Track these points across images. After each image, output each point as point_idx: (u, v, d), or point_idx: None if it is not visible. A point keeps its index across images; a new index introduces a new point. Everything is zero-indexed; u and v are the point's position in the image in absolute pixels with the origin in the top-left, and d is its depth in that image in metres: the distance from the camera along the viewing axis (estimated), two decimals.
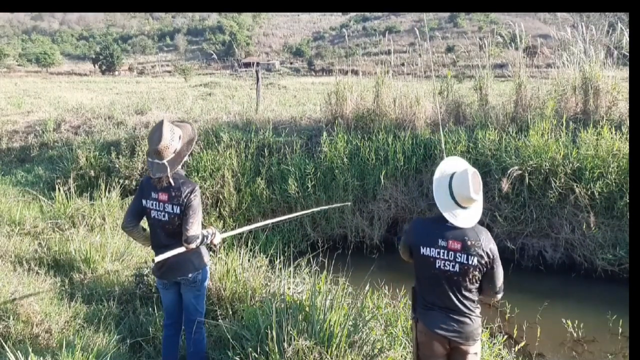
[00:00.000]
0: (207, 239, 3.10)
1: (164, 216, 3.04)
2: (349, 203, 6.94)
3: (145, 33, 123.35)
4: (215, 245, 3.29)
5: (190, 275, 3.12)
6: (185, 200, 2.98)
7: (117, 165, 8.12)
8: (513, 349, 4.16)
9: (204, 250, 3.21)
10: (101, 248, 5.03)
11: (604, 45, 7.55)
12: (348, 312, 3.35)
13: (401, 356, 3.44)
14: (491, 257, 2.51)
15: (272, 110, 10.06)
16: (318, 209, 6.13)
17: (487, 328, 4.13)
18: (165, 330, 3.37)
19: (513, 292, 5.27)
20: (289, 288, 3.96)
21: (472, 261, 2.47)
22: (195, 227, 2.99)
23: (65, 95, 20.30)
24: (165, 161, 2.96)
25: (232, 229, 6.94)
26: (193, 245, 3.00)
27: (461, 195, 2.49)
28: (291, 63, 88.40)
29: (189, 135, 3.11)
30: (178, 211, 3.00)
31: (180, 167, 3.09)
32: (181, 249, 3.00)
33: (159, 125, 2.98)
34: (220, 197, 7.56)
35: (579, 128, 6.73)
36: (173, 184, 3.00)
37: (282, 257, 4.37)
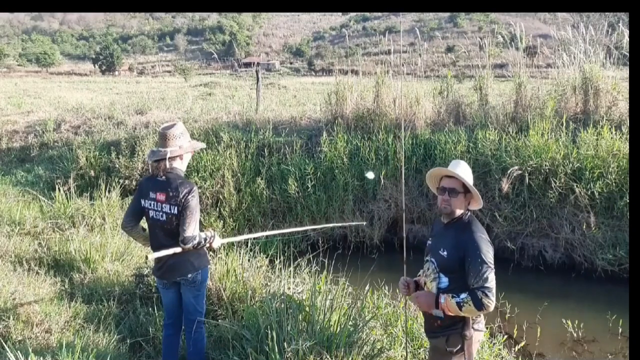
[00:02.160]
0: (205, 241, 3.10)
1: (162, 216, 3.05)
2: (364, 223, 6.90)
3: (145, 33, 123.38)
4: (214, 249, 3.30)
5: (189, 275, 3.13)
6: (182, 200, 2.99)
7: (117, 165, 8.12)
8: (513, 349, 4.17)
9: (203, 250, 3.21)
10: (101, 248, 5.03)
11: (604, 45, 7.54)
12: (348, 312, 3.35)
13: (401, 356, 3.44)
14: None
15: (272, 110, 10.06)
16: (331, 225, 6.28)
17: (487, 328, 4.12)
18: (165, 330, 3.37)
19: (513, 292, 5.29)
20: (289, 288, 3.96)
21: None
22: (191, 228, 2.99)
23: (65, 95, 20.30)
24: (167, 149, 3.03)
25: (232, 229, 6.97)
26: (189, 246, 3.00)
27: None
28: (291, 63, 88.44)
29: (196, 147, 3.24)
30: (175, 211, 3.01)
31: (181, 168, 3.14)
32: (177, 249, 3.02)
33: (176, 122, 3.14)
34: (220, 197, 7.56)
35: (579, 128, 6.73)
36: (171, 180, 3.03)
37: (282, 257, 4.37)
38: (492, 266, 2.36)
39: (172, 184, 3.02)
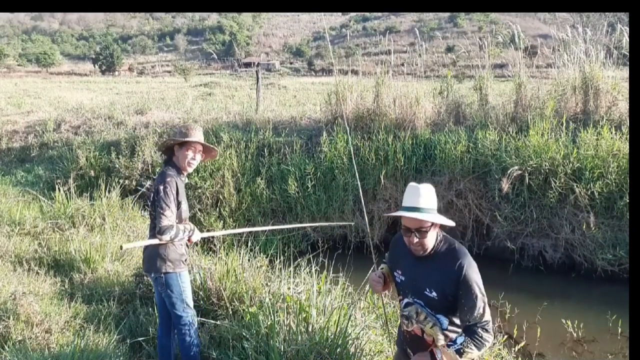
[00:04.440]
0: (183, 233, 3.09)
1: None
2: (352, 223, 6.91)
3: (145, 33, 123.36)
4: (193, 243, 3.30)
5: (152, 274, 3.15)
6: (155, 190, 3.08)
7: (117, 165, 8.12)
8: (513, 349, 4.16)
9: (173, 254, 3.11)
10: (101, 248, 5.04)
11: (604, 45, 7.54)
12: (348, 312, 3.34)
13: None
14: None
15: (272, 110, 10.06)
16: (316, 224, 6.30)
17: None
18: (158, 330, 3.40)
19: (513, 292, 5.29)
20: (289, 288, 3.96)
21: None
22: (163, 219, 2.97)
23: (65, 95, 20.30)
24: None
25: (232, 229, 6.96)
26: (166, 237, 2.98)
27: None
28: (291, 63, 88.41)
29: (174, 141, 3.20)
30: (152, 199, 3.11)
31: (176, 164, 3.19)
32: (154, 240, 3.03)
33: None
34: (220, 197, 7.56)
35: (579, 128, 6.73)
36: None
37: (282, 257, 4.37)
38: (484, 296, 2.11)
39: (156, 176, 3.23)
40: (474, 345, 2.06)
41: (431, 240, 2.17)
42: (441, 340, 2.17)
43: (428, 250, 2.18)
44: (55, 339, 3.57)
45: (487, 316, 2.10)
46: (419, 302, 2.22)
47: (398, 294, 2.36)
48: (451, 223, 2.20)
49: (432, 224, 2.13)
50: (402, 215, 2.15)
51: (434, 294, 2.15)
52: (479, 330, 2.07)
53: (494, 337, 3.95)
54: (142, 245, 3.17)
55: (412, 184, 2.24)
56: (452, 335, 2.17)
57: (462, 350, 2.05)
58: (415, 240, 2.14)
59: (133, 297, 4.37)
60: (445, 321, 2.18)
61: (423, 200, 2.14)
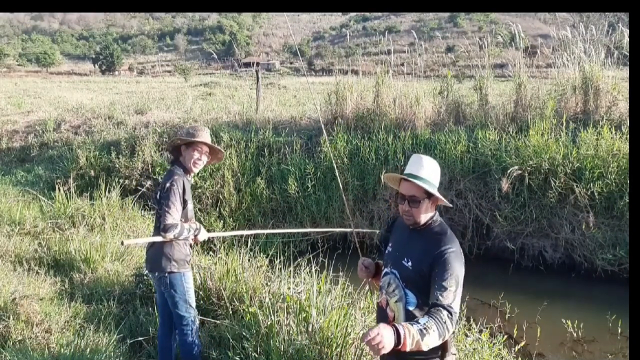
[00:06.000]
0: (188, 232, 3.09)
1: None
2: (351, 230, 6.87)
3: (145, 33, 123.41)
4: (197, 243, 3.31)
5: (157, 273, 3.15)
6: (161, 186, 3.10)
7: (117, 165, 8.12)
8: (513, 349, 4.16)
9: (178, 254, 3.12)
10: (101, 248, 5.04)
11: (604, 45, 7.55)
12: (348, 312, 3.34)
13: None
14: None
15: (272, 110, 10.06)
16: (318, 229, 6.33)
17: (487, 328, 4.13)
18: (159, 330, 3.40)
19: (513, 292, 5.29)
20: (289, 288, 3.96)
21: None
22: (168, 216, 2.98)
23: (65, 95, 20.29)
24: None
25: (232, 230, 6.97)
26: (170, 235, 2.99)
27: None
28: (291, 63, 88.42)
29: (188, 135, 3.24)
30: (157, 197, 3.13)
31: (183, 164, 3.22)
32: (157, 238, 3.04)
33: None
34: (220, 197, 7.56)
35: (579, 128, 6.73)
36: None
37: (282, 257, 4.37)
38: (461, 288, 1.96)
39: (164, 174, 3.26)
40: (436, 327, 1.81)
41: (423, 213, 2.13)
42: (401, 321, 2.05)
43: (418, 223, 2.14)
44: (55, 339, 3.57)
45: (456, 305, 1.92)
46: (394, 271, 2.17)
47: (382, 268, 2.32)
48: (448, 203, 2.17)
49: (427, 197, 2.10)
50: (400, 179, 2.15)
51: (410, 263, 2.10)
52: (444, 312, 1.86)
53: (494, 337, 3.97)
54: (144, 242, 3.18)
55: (416, 154, 2.22)
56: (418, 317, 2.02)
57: (424, 331, 1.78)
58: (407, 208, 2.12)
59: (133, 297, 4.37)
60: (413, 300, 2.07)
61: (424, 170, 2.11)
